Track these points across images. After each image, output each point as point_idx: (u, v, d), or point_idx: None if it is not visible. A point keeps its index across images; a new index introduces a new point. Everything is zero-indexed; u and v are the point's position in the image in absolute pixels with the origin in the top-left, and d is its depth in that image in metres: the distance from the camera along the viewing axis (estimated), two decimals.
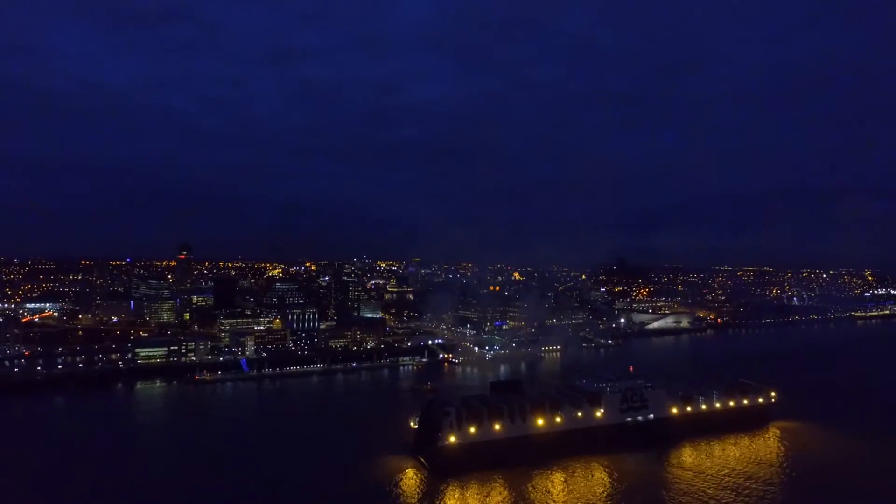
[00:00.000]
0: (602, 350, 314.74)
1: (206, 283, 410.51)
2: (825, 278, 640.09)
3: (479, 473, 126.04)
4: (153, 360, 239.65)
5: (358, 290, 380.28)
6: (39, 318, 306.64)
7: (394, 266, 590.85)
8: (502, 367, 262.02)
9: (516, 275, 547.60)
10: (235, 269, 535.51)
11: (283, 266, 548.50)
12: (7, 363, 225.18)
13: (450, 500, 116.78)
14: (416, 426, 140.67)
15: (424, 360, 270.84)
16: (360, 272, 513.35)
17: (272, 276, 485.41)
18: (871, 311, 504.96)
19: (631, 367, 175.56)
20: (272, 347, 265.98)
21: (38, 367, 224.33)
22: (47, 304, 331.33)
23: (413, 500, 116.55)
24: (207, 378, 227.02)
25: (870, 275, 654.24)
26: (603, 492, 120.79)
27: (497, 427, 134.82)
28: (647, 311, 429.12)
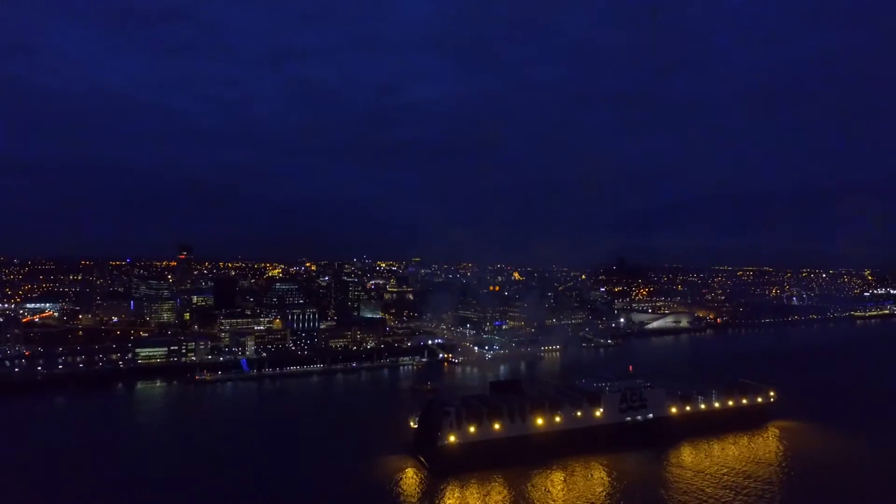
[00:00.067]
0: (601, 350, 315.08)
1: (206, 283, 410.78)
2: (825, 278, 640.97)
3: (478, 473, 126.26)
4: (153, 360, 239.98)
5: (358, 290, 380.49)
6: (40, 319, 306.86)
7: (394, 266, 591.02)
8: (502, 367, 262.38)
9: (516, 275, 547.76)
10: (235, 269, 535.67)
11: (283, 266, 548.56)
12: (7, 363, 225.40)
13: (449, 499, 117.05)
14: (416, 426, 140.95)
15: (424, 360, 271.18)
16: (360, 272, 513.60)
17: (272, 276, 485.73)
18: (870, 310, 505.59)
19: (630, 367, 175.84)
20: (272, 347, 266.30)
21: (39, 368, 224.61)
22: (47, 305, 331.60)
23: (413, 500, 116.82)
24: (207, 378, 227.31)
25: (869, 275, 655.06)
26: (602, 491, 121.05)
27: (497, 427, 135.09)
28: (646, 311, 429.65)
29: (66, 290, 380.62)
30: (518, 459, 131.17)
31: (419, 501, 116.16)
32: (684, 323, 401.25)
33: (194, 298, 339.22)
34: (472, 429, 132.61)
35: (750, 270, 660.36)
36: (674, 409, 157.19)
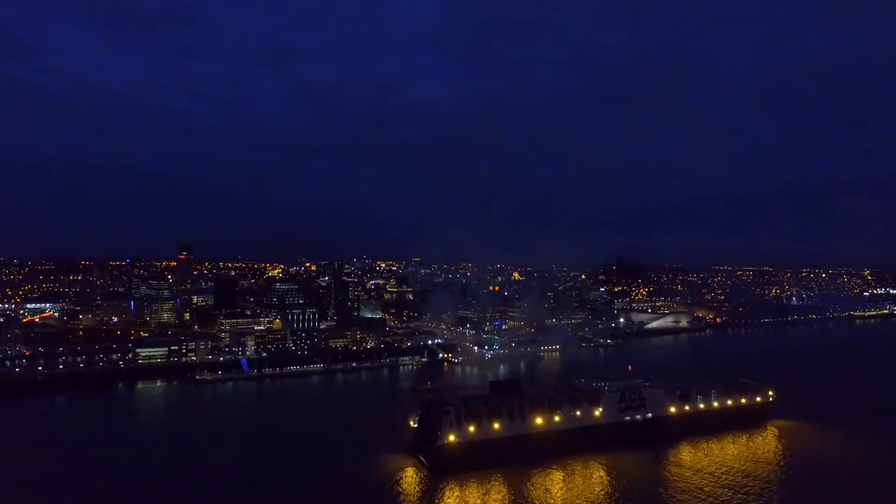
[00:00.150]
0: (601, 350, 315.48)
1: (207, 284, 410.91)
2: (824, 278, 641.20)
3: (478, 472, 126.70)
4: (154, 360, 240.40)
5: (358, 290, 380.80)
6: (40, 319, 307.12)
7: (394, 266, 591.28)
8: (502, 367, 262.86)
9: (516, 275, 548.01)
10: (235, 269, 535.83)
11: (283, 266, 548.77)
12: (8, 363, 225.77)
13: (449, 498, 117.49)
14: (416, 425, 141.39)
15: (424, 359, 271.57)
16: (360, 272, 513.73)
17: (272, 276, 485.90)
18: (869, 310, 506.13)
19: (630, 367, 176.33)
20: (272, 347, 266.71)
21: (39, 368, 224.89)
22: (48, 305, 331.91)
23: (413, 499, 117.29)
24: (208, 378, 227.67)
25: (869, 274, 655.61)
26: (601, 490, 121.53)
27: (496, 426, 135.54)
28: (646, 311, 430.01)
29: (67, 290, 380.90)
30: (517, 459, 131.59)
31: (419, 501, 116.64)
32: (684, 323, 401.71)
33: (194, 298, 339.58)
34: (471, 428, 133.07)
35: (750, 270, 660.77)
36: (673, 409, 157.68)
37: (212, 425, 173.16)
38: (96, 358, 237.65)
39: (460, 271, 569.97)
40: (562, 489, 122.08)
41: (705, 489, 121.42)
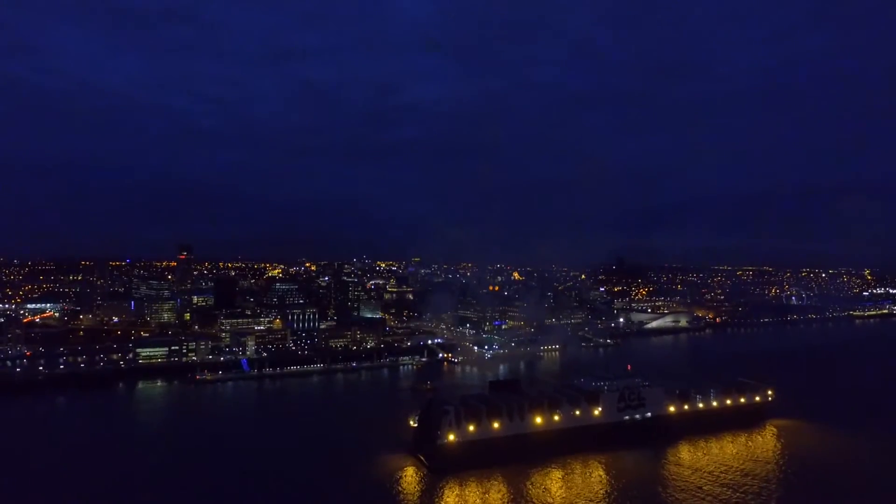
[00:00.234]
0: (601, 349, 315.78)
1: (207, 284, 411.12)
2: (824, 278, 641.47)
3: (477, 471, 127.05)
4: (154, 360, 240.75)
5: (358, 290, 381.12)
6: (40, 319, 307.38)
7: (394, 266, 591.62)
8: (501, 367, 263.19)
9: (516, 275, 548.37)
10: (235, 269, 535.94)
11: (283, 266, 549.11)
12: (9, 363, 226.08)
13: (449, 497, 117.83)
14: (416, 425, 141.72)
15: (424, 359, 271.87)
16: (360, 272, 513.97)
17: (272, 276, 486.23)
18: (869, 310, 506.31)
19: (629, 366, 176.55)
20: (272, 347, 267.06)
21: (40, 368, 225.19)
22: (48, 305, 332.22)
23: (412, 498, 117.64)
24: (208, 378, 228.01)
25: (869, 274, 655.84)
26: (601, 489, 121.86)
27: (496, 425, 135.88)
28: (645, 311, 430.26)
29: (67, 290, 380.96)
30: (517, 458, 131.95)
31: (419, 500, 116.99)
32: (683, 322, 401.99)
33: (194, 298, 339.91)
34: (471, 428, 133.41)
35: (749, 270, 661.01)
36: (672, 408, 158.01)
37: (212, 425, 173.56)
38: (97, 358, 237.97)
39: (460, 271, 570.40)
40: (561, 488, 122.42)
41: (704, 488, 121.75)
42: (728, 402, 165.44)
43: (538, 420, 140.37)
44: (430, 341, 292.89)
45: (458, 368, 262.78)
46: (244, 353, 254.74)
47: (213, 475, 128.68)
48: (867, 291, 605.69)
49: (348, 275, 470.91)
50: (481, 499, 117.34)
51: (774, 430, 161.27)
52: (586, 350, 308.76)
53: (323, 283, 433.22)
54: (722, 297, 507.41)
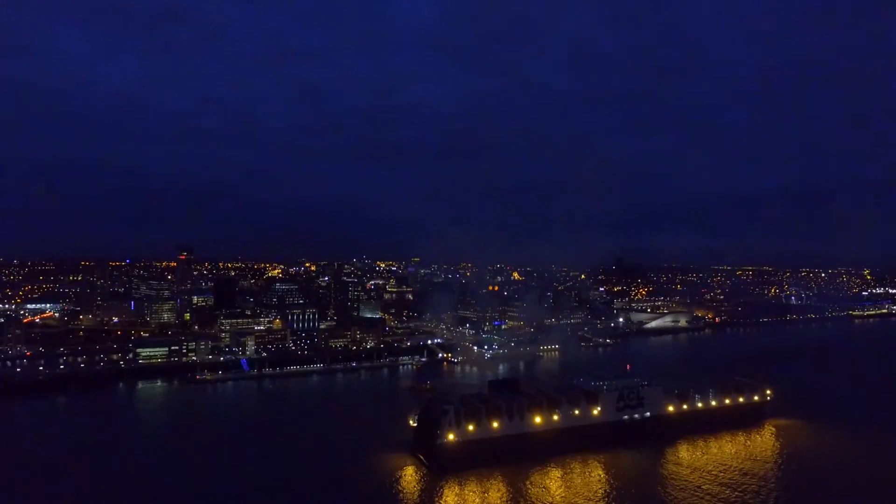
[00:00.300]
0: (600, 349, 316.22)
1: (207, 284, 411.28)
2: (824, 277, 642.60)
3: (477, 471, 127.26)
4: (154, 360, 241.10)
5: (358, 290, 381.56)
6: (40, 319, 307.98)
7: (393, 266, 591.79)
8: (501, 367, 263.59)
9: (515, 275, 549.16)
10: (235, 269, 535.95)
11: (283, 266, 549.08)
12: (9, 364, 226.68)
13: (448, 497, 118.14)
14: (416, 424, 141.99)
15: (424, 359, 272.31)
16: (359, 272, 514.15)
17: (272, 276, 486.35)
18: (868, 309, 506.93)
19: (628, 366, 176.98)
20: (272, 347, 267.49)
21: (40, 368, 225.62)
22: (48, 305, 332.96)
23: (412, 498, 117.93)
24: (208, 378, 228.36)
25: (868, 274, 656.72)
26: (600, 489, 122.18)
27: (495, 425, 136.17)
28: (645, 311, 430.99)
29: (67, 290, 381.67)
30: (516, 457, 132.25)
31: (418, 499, 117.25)
32: (683, 322, 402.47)
33: (194, 299, 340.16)
34: (470, 427, 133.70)
35: (749, 270, 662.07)
36: (671, 408, 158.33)
37: (212, 425, 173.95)
38: (97, 358, 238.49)
39: (460, 271, 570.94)
40: (560, 488, 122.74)
41: (703, 487, 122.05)
42: (727, 401, 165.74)
43: (537, 419, 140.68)
44: (429, 341, 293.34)
45: (458, 368, 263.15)
46: (244, 353, 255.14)
47: (213, 475, 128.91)
48: (867, 291, 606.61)
49: (348, 275, 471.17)
50: (481, 498, 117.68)
51: (773, 429, 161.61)
52: (586, 350, 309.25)
53: (323, 283, 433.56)
54: (721, 297, 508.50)
